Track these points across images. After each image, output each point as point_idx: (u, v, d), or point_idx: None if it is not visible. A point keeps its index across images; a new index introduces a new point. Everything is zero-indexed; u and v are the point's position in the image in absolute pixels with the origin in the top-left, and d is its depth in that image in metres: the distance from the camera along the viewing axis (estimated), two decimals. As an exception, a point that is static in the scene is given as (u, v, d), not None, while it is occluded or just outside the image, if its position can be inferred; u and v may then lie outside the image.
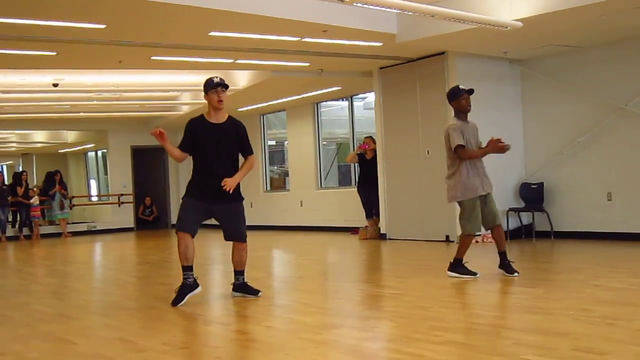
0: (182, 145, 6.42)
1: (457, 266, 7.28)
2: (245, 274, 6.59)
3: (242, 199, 6.50)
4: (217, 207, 6.37)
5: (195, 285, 6.35)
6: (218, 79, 6.34)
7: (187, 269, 6.31)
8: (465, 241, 7.26)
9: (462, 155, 7.07)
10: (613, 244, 9.98)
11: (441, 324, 5.03)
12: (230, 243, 6.55)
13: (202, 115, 6.47)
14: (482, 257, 8.98)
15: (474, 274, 7.19)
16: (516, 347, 4.18)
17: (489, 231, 7.35)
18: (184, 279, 6.31)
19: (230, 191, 6.24)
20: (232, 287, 6.64)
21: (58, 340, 5.12)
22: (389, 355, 4.31)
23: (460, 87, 7.26)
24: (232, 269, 6.60)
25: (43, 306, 6.84)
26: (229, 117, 6.48)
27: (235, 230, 6.46)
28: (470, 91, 7.22)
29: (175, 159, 6.56)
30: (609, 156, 10.55)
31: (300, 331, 5.08)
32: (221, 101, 6.32)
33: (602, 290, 6.24)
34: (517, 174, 11.58)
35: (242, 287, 6.57)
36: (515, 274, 7.14)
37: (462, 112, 7.21)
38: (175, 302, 6.24)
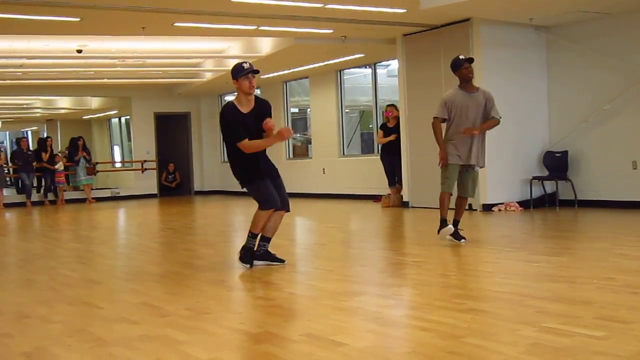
0: (243, 135, 6.17)
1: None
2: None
3: None
4: (274, 181, 6.45)
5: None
6: (248, 64, 6.20)
7: (256, 237, 6.40)
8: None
9: (433, 125, 7.43)
10: (638, 212, 9.89)
11: (464, 292, 5.03)
12: (252, 209, 6.55)
13: (233, 105, 6.26)
14: (505, 225, 8.99)
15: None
16: (539, 315, 4.17)
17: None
18: (257, 245, 6.42)
19: None
20: (254, 255, 6.53)
21: (83, 304, 5.19)
22: (411, 323, 4.32)
23: (460, 57, 7.47)
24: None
25: (68, 270, 6.92)
26: (256, 99, 6.34)
27: (287, 199, 6.52)
28: (470, 60, 7.46)
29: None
30: (635, 124, 10.41)
31: (322, 298, 5.10)
32: (253, 86, 6.21)
33: (626, 259, 6.20)
34: (541, 142, 11.47)
35: (266, 255, 6.52)
36: (463, 240, 7.40)
37: (465, 81, 7.47)
38: (250, 260, 6.37)
